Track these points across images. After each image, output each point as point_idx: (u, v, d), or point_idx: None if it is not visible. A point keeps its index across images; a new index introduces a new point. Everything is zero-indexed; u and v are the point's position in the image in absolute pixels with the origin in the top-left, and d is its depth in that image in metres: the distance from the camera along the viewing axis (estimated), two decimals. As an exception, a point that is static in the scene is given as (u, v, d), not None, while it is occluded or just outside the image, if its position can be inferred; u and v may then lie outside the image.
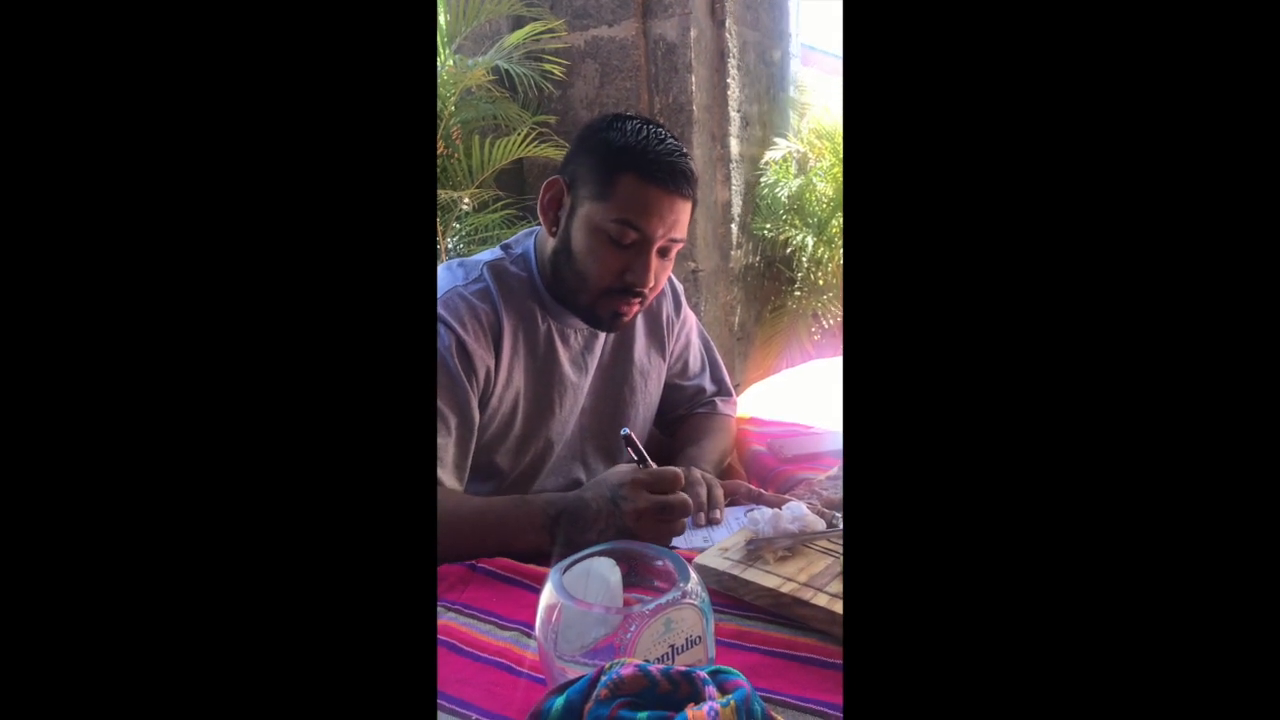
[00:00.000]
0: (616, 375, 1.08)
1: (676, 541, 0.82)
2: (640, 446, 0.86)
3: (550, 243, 0.96)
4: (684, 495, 0.79)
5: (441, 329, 0.90)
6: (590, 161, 0.91)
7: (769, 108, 2.85)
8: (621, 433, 0.86)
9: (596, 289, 0.93)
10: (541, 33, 2.33)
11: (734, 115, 2.58)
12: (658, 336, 1.12)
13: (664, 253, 0.94)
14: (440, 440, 0.87)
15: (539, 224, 0.99)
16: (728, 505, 0.92)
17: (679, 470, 0.81)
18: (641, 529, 0.76)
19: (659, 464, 0.85)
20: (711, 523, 0.88)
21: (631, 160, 0.89)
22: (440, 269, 0.99)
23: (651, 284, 0.94)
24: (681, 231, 0.94)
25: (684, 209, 0.92)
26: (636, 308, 0.97)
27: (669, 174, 0.89)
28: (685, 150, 0.93)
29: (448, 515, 0.78)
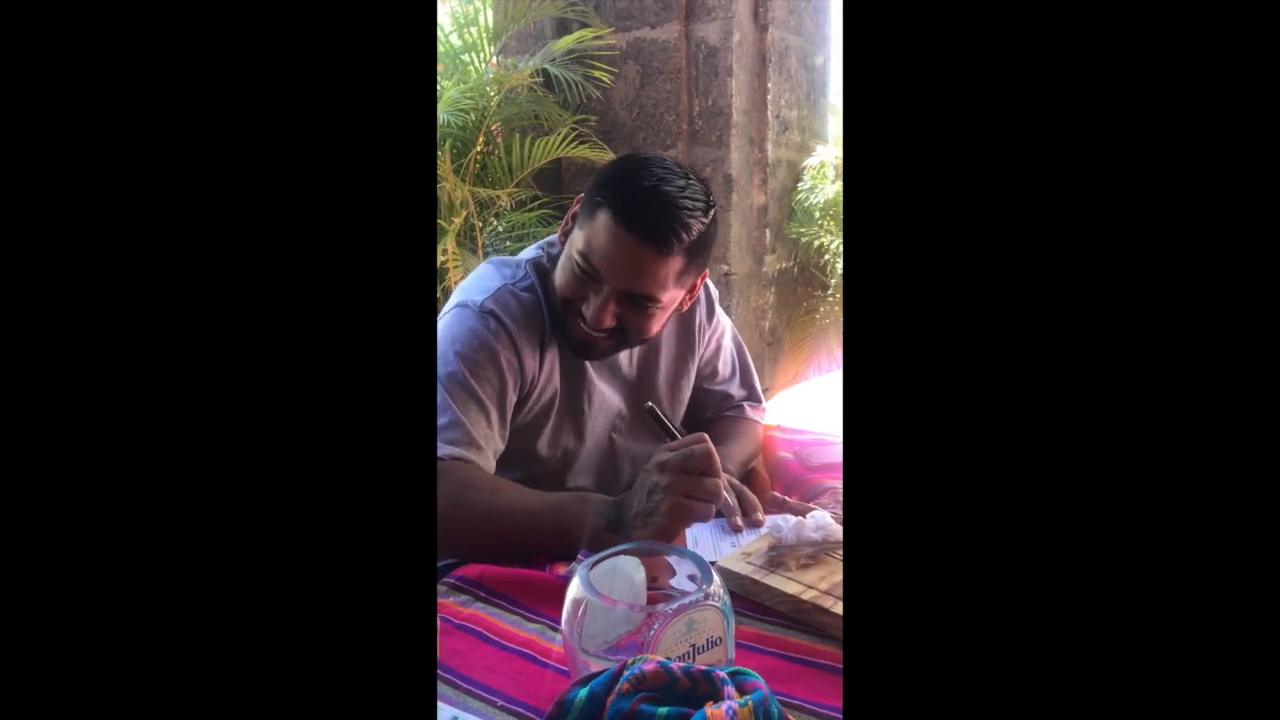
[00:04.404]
0: (645, 383, 1.10)
1: (704, 550, 0.83)
2: (665, 419, 0.84)
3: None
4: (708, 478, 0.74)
5: (494, 323, 0.91)
6: (590, 188, 0.90)
7: (808, 113, 2.84)
8: (645, 406, 0.85)
9: (560, 303, 0.93)
10: (590, 40, 2.36)
11: (773, 120, 2.58)
12: (688, 343, 1.13)
13: (635, 304, 0.88)
14: (484, 431, 0.90)
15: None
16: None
17: (701, 437, 0.76)
18: (676, 517, 0.74)
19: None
20: (754, 525, 0.87)
21: (613, 197, 0.84)
22: (486, 266, 1.02)
23: (607, 327, 0.88)
24: (654, 289, 0.86)
25: (660, 265, 0.85)
26: (603, 343, 0.93)
27: (646, 226, 0.82)
28: (696, 210, 0.85)
29: (510, 507, 0.82)
